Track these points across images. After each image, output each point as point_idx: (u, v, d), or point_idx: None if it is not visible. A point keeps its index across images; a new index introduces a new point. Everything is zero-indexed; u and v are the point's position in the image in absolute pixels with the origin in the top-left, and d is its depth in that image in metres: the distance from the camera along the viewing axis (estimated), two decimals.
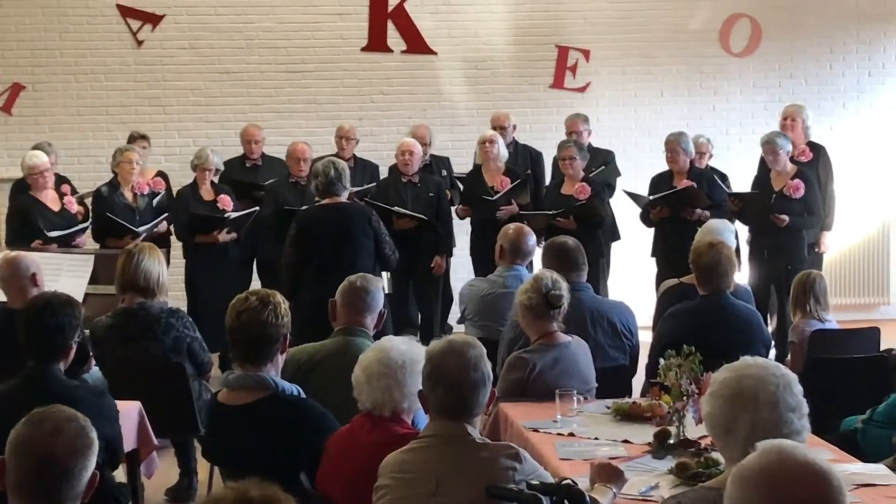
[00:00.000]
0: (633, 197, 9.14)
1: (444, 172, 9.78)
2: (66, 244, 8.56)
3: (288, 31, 11.25)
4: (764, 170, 9.09)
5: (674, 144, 8.98)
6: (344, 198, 7.60)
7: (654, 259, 9.22)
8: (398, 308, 8.80)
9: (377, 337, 4.79)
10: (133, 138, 9.94)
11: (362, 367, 4.07)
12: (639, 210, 9.24)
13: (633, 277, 9.52)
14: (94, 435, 2.88)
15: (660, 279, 8.84)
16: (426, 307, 9.29)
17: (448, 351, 3.61)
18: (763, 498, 2.18)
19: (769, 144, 8.83)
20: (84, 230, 8.93)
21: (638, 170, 9.68)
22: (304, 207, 8.20)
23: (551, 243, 6.41)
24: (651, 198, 8.95)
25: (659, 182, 9.16)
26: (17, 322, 4.65)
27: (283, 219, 8.78)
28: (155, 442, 5.40)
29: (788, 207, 8.68)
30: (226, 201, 9.04)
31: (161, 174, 9.69)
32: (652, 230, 9.22)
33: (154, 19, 11.12)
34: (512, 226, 6.98)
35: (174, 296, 8.41)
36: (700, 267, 5.88)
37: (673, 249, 8.65)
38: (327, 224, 7.42)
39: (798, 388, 3.08)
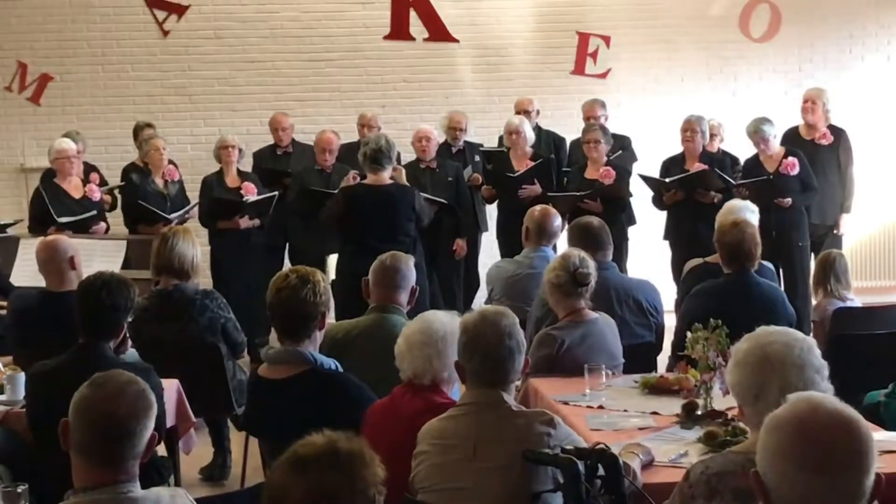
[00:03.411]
0: (647, 180, 9.21)
1: (477, 158, 9.87)
2: (83, 230, 8.60)
3: (311, 21, 11.36)
4: (755, 155, 9.15)
5: (694, 125, 9.03)
6: (387, 173, 7.76)
7: (667, 242, 9.29)
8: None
9: (412, 313, 4.89)
10: (140, 127, 10.05)
11: (405, 336, 4.20)
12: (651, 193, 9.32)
13: (648, 260, 9.58)
14: (153, 398, 3.00)
15: (674, 262, 8.94)
16: (448, 290, 9.40)
17: (482, 321, 3.74)
18: (795, 444, 2.28)
19: (757, 134, 8.93)
20: (98, 217, 8.96)
21: (658, 155, 9.74)
22: (343, 185, 8.38)
23: (577, 223, 6.51)
24: (667, 181, 9.02)
25: (671, 165, 9.22)
26: (74, 299, 4.79)
27: (307, 200, 8.92)
28: (193, 419, 5.53)
29: (787, 185, 8.79)
30: (249, 188, 9.15)
31: (171, 163, 9.73)
32: (663, 213, 9.30)
33: (179, 10, 11.24)
34: (538, 207, 7.08)
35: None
36: (724, 245, 5.95)
37: (686, 232, 8.77)
38: (371, 207, 7.62)
39: (818, 352, 3.23)
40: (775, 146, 8.98)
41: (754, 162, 9.06)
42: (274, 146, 10.04)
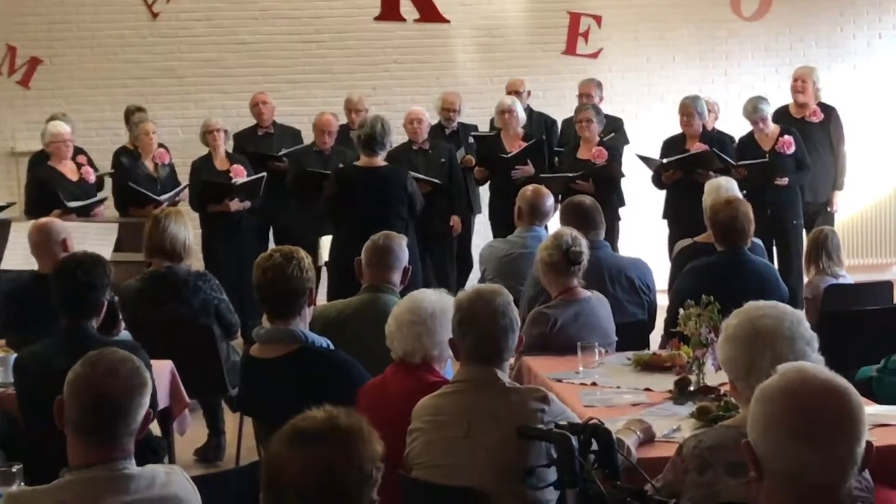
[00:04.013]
0: (646, 160, 9.22)
1: (471, 140, 9.86)
2: (86, 214, 8.65)
3: (302, 1, 11.30)
4: (749, 133, 9.18)
5: (690, 108, 9.04)
6: (381, 158, 7.73)
7: (665, 221, 9.30)
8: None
9: (405, 294, 4.90)
10: (131, 111, 10.03)
11: (394, 316, 4.21)
12: (649, 174, 9.31)
13: (641, 240, 9.59)
14: (147, 375, 3.00)
15: (672, 241, 8.93)
16: (441, 271, 9.41)
17: (476, 299, 3.75)
18: (786, 413, 2.28)
19: (756, 113, 8.96)
20: (102, 201, 9.03)
21: (651, 135, 9.75)
22: (340, 166, 8.37)
23: (569, 202, 6.53)
24: (665, 161, 9.03)
25: (671, 145, 9.22)
26: (50, 282, 4.78)
27: (305, 182, 8.91)
28: (187, 400, 5.54)
29: (783, 164, 8.83)
30: (238, 171, 9.11)
31: (161, 146, 9.68)
32: (661, 193, 9.30)
33: None
34: (530, 187, 7.07)
35: None
36: (717, 223, 5.95)
37: (685, 211, 8.76)
38: (364, 189, 7.59)
39: (807, 324, 3.25)
40: (771, 125, 9.00)
41: (749, 140, 9.07)
42: (255, 128, 10.00)
